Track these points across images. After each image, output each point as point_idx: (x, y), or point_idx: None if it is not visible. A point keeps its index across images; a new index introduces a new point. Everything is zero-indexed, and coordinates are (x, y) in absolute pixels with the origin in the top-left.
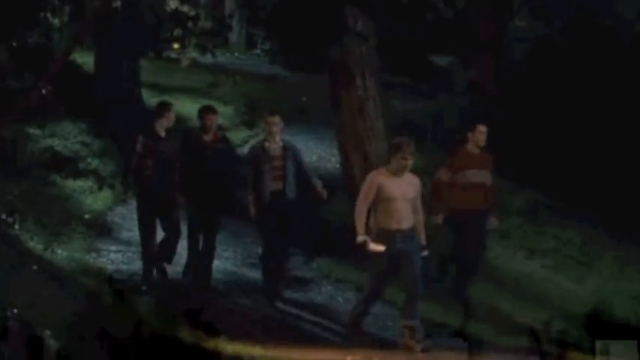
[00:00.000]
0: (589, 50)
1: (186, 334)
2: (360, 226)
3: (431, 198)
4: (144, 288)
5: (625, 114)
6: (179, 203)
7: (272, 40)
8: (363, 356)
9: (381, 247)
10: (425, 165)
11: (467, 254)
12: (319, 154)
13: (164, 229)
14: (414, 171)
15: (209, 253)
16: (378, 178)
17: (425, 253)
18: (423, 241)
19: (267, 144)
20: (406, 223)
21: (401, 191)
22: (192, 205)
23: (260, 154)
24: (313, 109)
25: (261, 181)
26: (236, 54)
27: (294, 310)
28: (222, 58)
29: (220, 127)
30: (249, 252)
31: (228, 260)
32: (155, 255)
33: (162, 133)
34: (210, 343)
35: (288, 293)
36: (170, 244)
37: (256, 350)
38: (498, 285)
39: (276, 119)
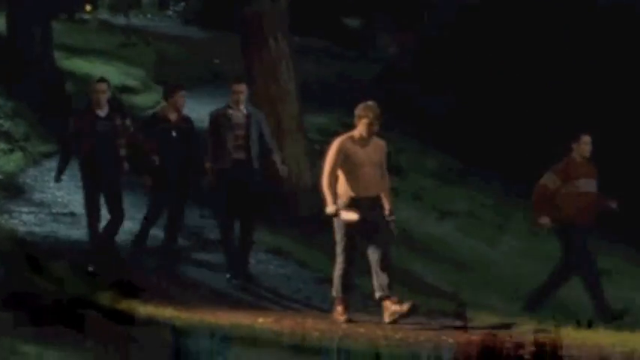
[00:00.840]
0: (512, 16)
1: (102, 297)
2: (329, 196)
3: (534, 200)
4: (90, 269)
5: (541, 77)
6: (147, 184)
7: (186, 1)
8: (274, 318)
9: (354, 215)
10: (333, 125)
11: (583, 263)
12: None
13: (110, 211)
14: (327, 130)
15: (174, 236)
16: (344, 145)
17: (392, 217)
18: (389, 205)
19: (230, 111)
20: (374, 190)
21: (367, 157)
22: (159, 187)
23: (222, 121)
24: (226, 70)
25: (223, 150)
26: (149, 15)
27: (209, 273)
28: (135, 19)
29: (131, 89)
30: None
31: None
32: (101, 237)
33: (102, 113)
34: (124, 305)
35: (204, 255)
36: (114, 226)
37: (169, 312)
38: (410, 247)
39: (242, 87)
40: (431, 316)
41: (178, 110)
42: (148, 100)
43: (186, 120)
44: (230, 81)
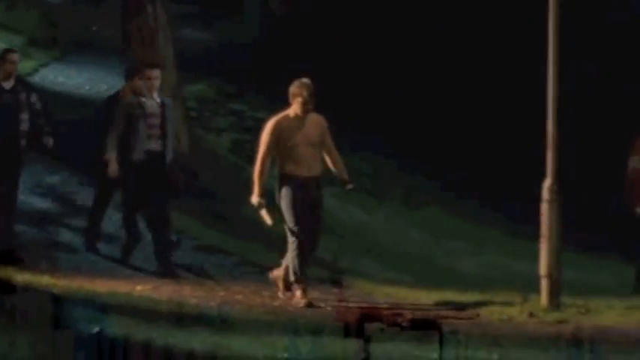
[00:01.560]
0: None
1: None
2: (257, 185)
3: (626, 189)
4: None
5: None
6: (113, 174)
7: None
8: (152, 285)
9: (269, 220)
10: (212, 93)
11: None
12: (109, 83)
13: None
14: (205, 97)
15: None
16: (278, 125)
17: (350, 186)
18: (345, 176)
19: (143, 99)
20: (313, 170)
21: (304, 137)
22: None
23: (135, 110)
24: (104, 38)
25: (136, 139)
26: None
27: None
28: None
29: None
30: (39, 181)
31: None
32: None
33: (7, 85)
34: (1, 273)
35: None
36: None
37: (45, 279)
38: None
39: (156, 73)
40: (309, 283)
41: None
42: (26, 66)
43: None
44: (106, 47)
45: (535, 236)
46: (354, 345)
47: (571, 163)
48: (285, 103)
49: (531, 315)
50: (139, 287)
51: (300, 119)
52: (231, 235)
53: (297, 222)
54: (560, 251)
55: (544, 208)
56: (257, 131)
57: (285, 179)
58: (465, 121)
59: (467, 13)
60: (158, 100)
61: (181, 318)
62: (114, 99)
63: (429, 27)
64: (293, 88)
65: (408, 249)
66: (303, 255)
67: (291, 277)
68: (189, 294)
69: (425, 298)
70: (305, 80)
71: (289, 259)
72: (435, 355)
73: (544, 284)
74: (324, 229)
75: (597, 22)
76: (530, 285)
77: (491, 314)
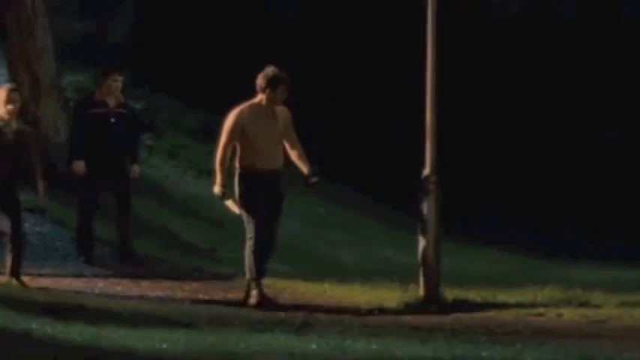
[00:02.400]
0: None
1: None
2: (219, 174)
3: None
4: None
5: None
6: (80, 174)
7: None
8: (30, 277)
9: (235, 209)
10: (90, 83)
11: None
12: None
13: None
14: (84, 88)
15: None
16: (241, 117)
17: (315, 179)
18: (308, 171)
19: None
20: (274, 163)
21: (265, 129)
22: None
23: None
24: None
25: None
26: None
27: None
28: None
29: None
30: None
31: None
32: None
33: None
34: None
35: None
36: None
37: None
38: (166, 204)
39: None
40: (189, 273)
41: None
42: None
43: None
44: None
45: (415, 227)
46: (233, 334)
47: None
48: (164, 93)
49: (409, 305)
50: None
51: (265, 110)
52: (110, 225)
53: (256, 218)
54: (439, 241)
55: (422, 198)
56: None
57: (245, 172)
58: (347, 110)
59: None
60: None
61: (60, 309)
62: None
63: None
64: (260, 80)
65: (287, 239)
66: (260, 253)
67: (247, 275)
68: (68, 285)
69: (303, 288)
70: (277, 72)
71: (246, 256)
72: (314, 346)
73: (422, 275)
74: (217, 221)
75: (483, 17)
76: (410, 275)
77: (370, 304)
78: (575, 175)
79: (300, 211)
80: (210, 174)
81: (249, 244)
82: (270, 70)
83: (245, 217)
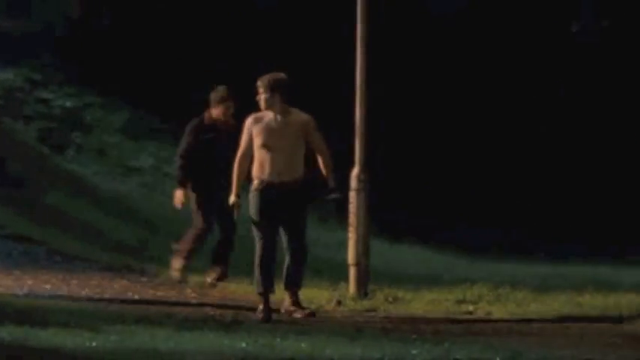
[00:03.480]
0: None
1: None
2: (235, 185)
3: None
4: None
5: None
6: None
7: None
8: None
9: (235, 212)
10: (19, 81)
11: None
12: None
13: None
14: (13, 87)
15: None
16: (251, 124)
17: (334, 196)
18: (329, 184)
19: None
20: (287, 175)
21: (276, 138)
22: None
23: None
24: None
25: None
26: None
27: None
28: None
29: None
30: None
31: None
32: None
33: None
34: None
35: None
36: None
37: None
38: (95, 202)
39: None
40: (118, 271)
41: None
42: None
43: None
44: None
45: (345, 225)
46: (162, 332)
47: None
48: (88, 90)
49: (340, 304)
50: None
51: (275, 117)
52: (39, 223)
53: (260, 231)
54: (369, 240)
55: (352, 196)
56: (64, 120)
57: (256, 183)
58: None
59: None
60: None
61: None
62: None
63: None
64: (275, 81)
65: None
66: (267, 267)
67: (257, 290)
68: None
69: (233, 287)
70: (282, 74)
71: (255, 268)
72: (244, 344)
73: (352, 273)
74: (146, 220)
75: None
76: (339, 273)
77: (309, 303)
78: (504, 172)
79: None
80: (139, 172)
81: (256, 257)
82: (269, 75)
83: (253, 224)
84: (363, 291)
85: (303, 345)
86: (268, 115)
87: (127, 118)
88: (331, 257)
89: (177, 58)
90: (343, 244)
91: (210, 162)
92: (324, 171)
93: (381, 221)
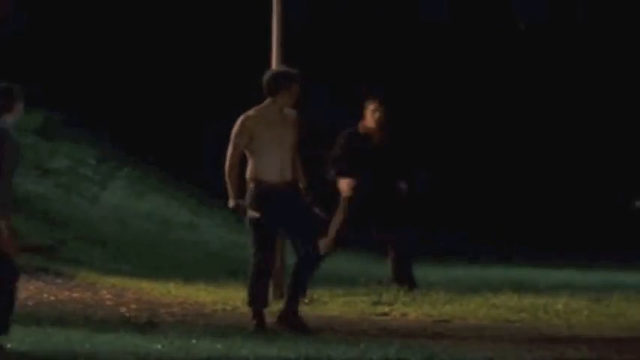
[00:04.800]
0: None
1: None
2: (230, 188)
3: None
4: None
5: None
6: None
7: None
8: None
9: (255, 214)
10: None
11: None
12: None
13: None
14: None
15: None
16: (249, 122)
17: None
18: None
19: None
20: (289, 174)
21: (276, 135)
22: None
23: None
24: None
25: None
26: None
27: None
28: None
29: None
30: None
31: None
32: None
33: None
34: None
35: None
36: None
37: None
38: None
39: None
40: (34, 273)
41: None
42: None
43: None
44: None
45: None
46: (78, 334)
47: None
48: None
49: None
50: None
51: (275, 115)
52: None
53: (265, 244)
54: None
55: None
56: None
57: (255, 185)
58: (194, 114)
59: None
60: None
61: None
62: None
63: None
64: (276, 79)
65: (132, 238)
66: (261, 282)
67: (253, 306)
68: None
69: (148, 288)
70: (293, 70)
71: (251, 282)
72: (159, 345)
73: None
74: (61, 221)
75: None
76: None
77: (215, 304)
78: (425, 171)
79: (146, 210)
80: (54, 173)
81: (252, 268)
82: (284, 68)
83: (250, 233)
84: (279, 292)
85: (218, 346)
86: (267, 112)
87: (42, 120)
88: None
89: (94, 56)
90: None
91: (360, 171)
92: (301, 178)
93: None
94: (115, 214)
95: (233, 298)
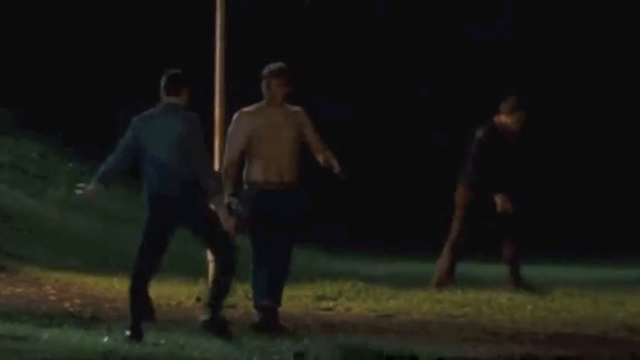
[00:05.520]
0: None
1: None
2: (227, 186)
3: None
4: None
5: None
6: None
7: None
8: None
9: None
10: None
11: None
12: None
13: None
14: None
15: None
16: (246, 118)
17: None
18: (337, 165)
19: None
20: (287, 175)
21: (276, 133)
22: None
23: None
24: None
25: None
26: None
27: None
28: None
29: None
30: None
31: None
32: None
33: None
34: None
35: None
36: None
37: None
38: None
39: None
40: None
41: None
42: None
43: None
44: None
45: None
46: (22, 329)
47: None
48: None
49: (199, 300)
50: None
51: (272, 112)
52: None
53: (265, 242)
54: None
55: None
56: None
57: (251, 186)
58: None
59: None
60: None
61: None
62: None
63: None
64: (274, 72)
65: (76, 234)
66: (261, 276)
67: (260, 304)
68: None
69: (92, 282)
70: (282, 64)
71: (255, 283)
72: (104, 340)
73: (212, 269)
74: (3, 215)
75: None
76: (200, 270)
77: (159, 299)
78: (370, 169)
79: (90, 205)
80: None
81: (253, 267)
82: (276, 64)
83: (249, 235)
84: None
85: (162, 341)
86: (268, 108)
87: None
88: (188, 253)
89: (36, 52)
90: None
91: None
92: (328, 161)
93: None
94: (59, 209)
95: (177, 293)
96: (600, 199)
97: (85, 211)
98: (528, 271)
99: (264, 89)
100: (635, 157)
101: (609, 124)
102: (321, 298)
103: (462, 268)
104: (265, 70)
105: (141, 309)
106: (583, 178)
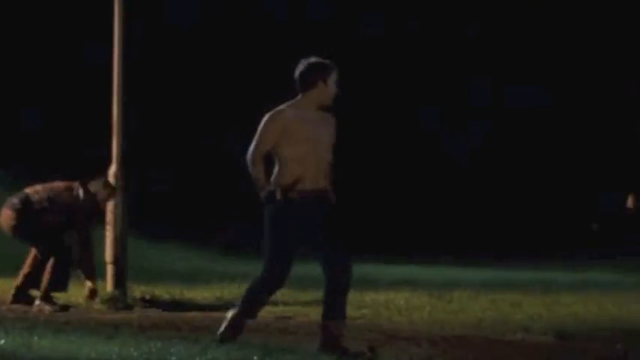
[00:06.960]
0: None
1: None
2: (260, 179)
3: None
4: None
5: None
6: None
7: None
8: None
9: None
10: None
11: None
12: None
13: None
14: None
15: None
16: (283, 117)
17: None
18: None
19: None
20: (323, 181)
21: (316, 135)
22: None
23: None
24: None
25: None
26: None
27: None
28: None
29: None
30: None
31: None
32: None
33: None
34: None
35: None
36: None
37: None
38: None
39: None
40: None
41: None
42: None
43: None
44: None
45: (102, 224)
46: None
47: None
48: None
49: (94, 297)
50: None
51: (311, 114)
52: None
53: (286, 262)
54: (126, 238)
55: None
56: None
57: (283, 193)
58: (67, 119)
59: None
60: None
61: None
62: None
63: None
64: (312, 71)
65: None
66: (264, 291)
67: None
68: None
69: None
70: (328, 62)
71: (247, 288)
72: (1, 342)
73: (109, 271)
74: None
75: None
76: (97, 272)
77: (58, 300)
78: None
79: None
80: None
81: (261, 281)
82: (318, 59)
83: (269, 249)
84: (120, 289)
85: (60, 343)
86: (304, 109)
87: None
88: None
89: None
90: (101, 243)
91: None
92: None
93: (139, 220)
94: None
95: (75, 295)
96: (499, 203)
97: None
98: (428, 272)
99: (310, 88)
100: (533, 164)
101: (509, 129)
102: (219, 300)
103: (359, 269)
104: (327, 63)
105: None
106: (486, 184)
